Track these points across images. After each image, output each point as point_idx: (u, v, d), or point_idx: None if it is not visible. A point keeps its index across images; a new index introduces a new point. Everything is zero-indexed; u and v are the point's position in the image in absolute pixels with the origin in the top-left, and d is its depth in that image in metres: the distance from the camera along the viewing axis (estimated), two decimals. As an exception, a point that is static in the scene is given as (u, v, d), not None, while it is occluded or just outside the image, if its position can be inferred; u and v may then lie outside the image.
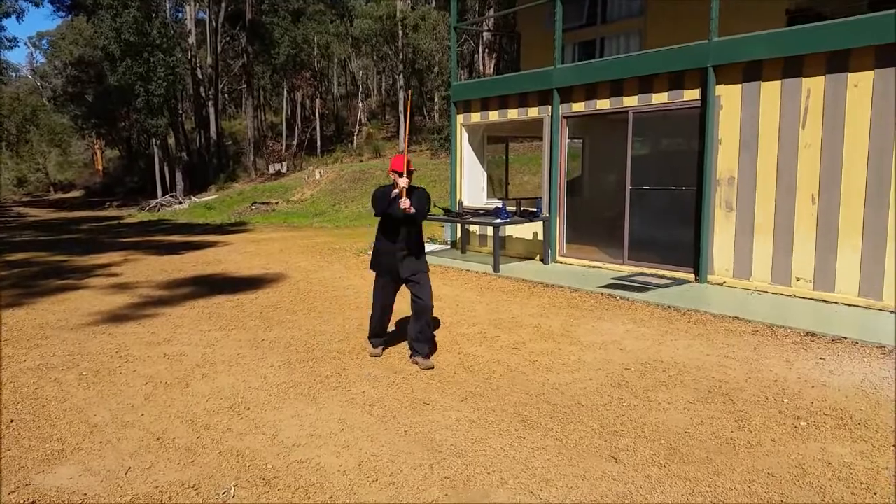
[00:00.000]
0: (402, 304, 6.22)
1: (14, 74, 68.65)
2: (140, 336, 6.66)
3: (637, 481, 3.55)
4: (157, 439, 4.14)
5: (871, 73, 7.08)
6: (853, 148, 7.27)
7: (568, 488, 3.47)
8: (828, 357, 5.64)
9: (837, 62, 7.33)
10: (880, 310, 7.06)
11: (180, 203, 32.74)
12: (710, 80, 8.38)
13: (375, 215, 5.51)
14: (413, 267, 5.54)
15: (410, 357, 5.67)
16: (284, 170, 36.82)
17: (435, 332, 6.63)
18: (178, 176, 37.35)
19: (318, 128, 43.52)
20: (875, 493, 3.37)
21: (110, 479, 3.61)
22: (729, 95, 8.31)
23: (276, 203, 27.47)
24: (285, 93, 46.19)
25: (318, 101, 45.21)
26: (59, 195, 50.23)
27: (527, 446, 3.98)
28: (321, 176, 30.06)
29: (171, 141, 40.26)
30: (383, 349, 5.95)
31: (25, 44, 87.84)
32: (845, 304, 7.33)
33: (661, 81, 8.98)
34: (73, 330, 6.90)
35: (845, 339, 6.09)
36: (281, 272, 10.62)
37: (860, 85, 7.17)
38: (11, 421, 4.41)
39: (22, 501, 3.36)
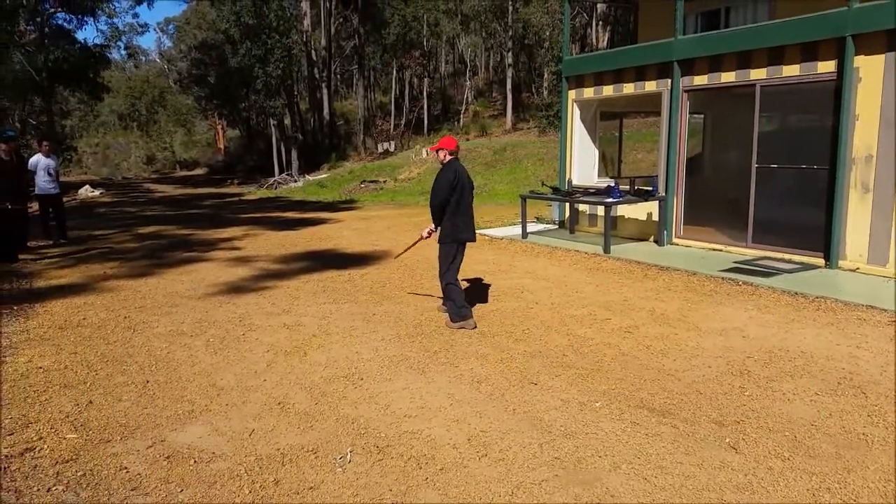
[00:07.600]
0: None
1: (144, 58, 73.75)
2: (261, 306, 6.99)
3: (758, 473, 3.37)
4: (279, 404, 4.34)
5: None
6: None
7: (685, 476, 3.34)
8: (981, 353, 5.12)
9: None
10: None
11: (295, 181, 33.87)
12: (847, 51, 7.71)
13: (447, 199, 6.07)
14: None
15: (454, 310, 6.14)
16: (392, 149, 37.37)
17: (543, 312, 6.57)
18: (294, 155, 38.70)
19: (425, 107, 43.87)
20: None
21: (236, 439, 3.82)
22: (869, 67, 7.62)
23: (384, 181, 27.94)
24: (394, 72, 46.78)
25: (426, 80, 45.52)
26: (184, 173, 53.27)
27: (640, 432, 3.86)
28: (428, 155, 30.32)
29: (287, 121, 41.80)
30: None
31: (154, 29, 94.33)
32: None
33: (792, 52, 8.36)
34: (199, 299, 7.35)
35: None
36: (389, 249, 10.83)
37: None
38: (147, 382, 4.75)
39: (158, 456, 3.62)
